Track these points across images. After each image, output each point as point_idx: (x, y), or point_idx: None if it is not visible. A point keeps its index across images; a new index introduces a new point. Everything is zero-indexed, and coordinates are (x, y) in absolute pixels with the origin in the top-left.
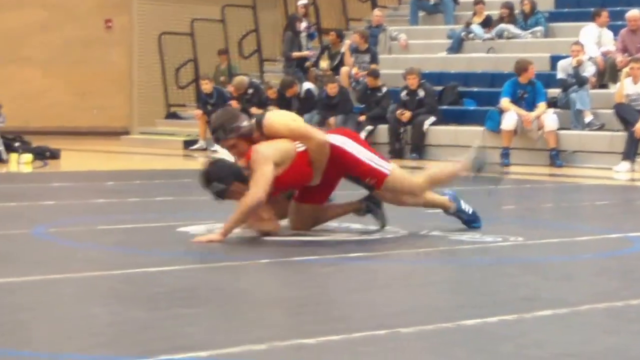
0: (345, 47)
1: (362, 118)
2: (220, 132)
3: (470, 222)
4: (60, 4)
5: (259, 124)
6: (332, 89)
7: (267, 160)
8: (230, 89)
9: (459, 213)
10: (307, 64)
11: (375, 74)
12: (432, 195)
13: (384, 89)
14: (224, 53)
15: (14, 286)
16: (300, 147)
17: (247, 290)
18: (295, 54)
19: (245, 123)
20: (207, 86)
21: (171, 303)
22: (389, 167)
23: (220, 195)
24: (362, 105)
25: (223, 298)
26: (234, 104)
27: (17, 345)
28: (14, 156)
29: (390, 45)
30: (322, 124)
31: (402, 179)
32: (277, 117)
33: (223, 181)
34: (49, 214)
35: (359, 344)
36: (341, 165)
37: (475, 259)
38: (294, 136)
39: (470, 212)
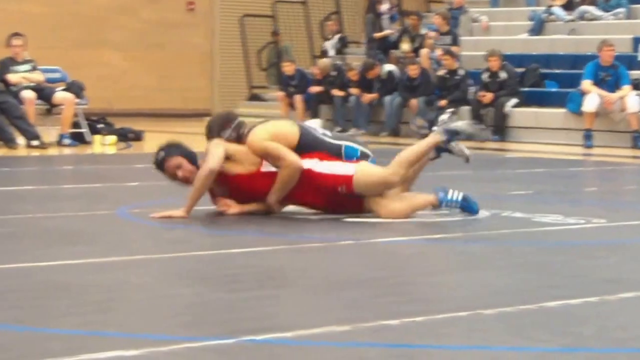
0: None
1: (443, 103)
2: (207, 134)
3: (464, 208)
4: None
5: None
6: (413, 70)
7: (219, 144)
8: (315, 71)
9: (448, 203)
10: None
11: (450, 53)
12: (415, 200)
13: (462, 72)
14: (277, 34)
15: (99, 267)
16: (264, 168)
17: (330, 271)
18: (377, 34)
19: (226, 134)
20: (289, 68)
21: (255, 284)
22: (352, 168)
23: (158, 164)
24: (441, 91)
25: (306, 279)
26: (315, 87)
27: (102, 325)
28: (97, 138)
29: (472, 27)
30: (403, 105)
31: (369, 173)
32: (257, 137)
33: (166, 151)
34: (133, 195)
35: (441, 325)
36: (312, 184)
37: (557, 240)
38: (268, 156)
39: (460, 198)
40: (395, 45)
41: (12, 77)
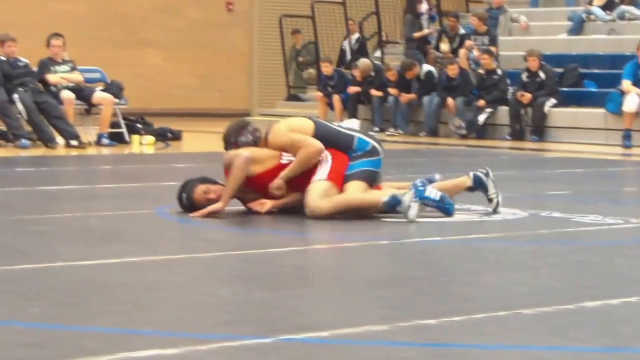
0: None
1: (482, 103)
2: (225, 144)
3: (440, 209)
4: None
5: (266, 137)
6: (452, 70)
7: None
8: (355, 73)
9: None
10: (428, 46)
11: (488, 52)
12: (366, 197)
13: (500, 72)
14: (297, 32)
15: (137, 266)
16: (284, 159)
17: (367, 270)
18: (417, 34)
19: (244, 138)
20: (327, 68)
21: (292, 283)
22: (320, 177)
23: (188, 205)
24: (479, 91)
25: (344, 278)
26: (352, 88)
27: (140, 324)
28: (136, 137)
29: (511, 27)
30: (441, 106)
31: (312, 190)
32: (280, 131)
33: (185, 190)
34: (171, 195)
35: (479, 324)
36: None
37: (596, 240)
38: (293, 147)
39: (437, 197)
40: (435, 45)
41: (51, 78)
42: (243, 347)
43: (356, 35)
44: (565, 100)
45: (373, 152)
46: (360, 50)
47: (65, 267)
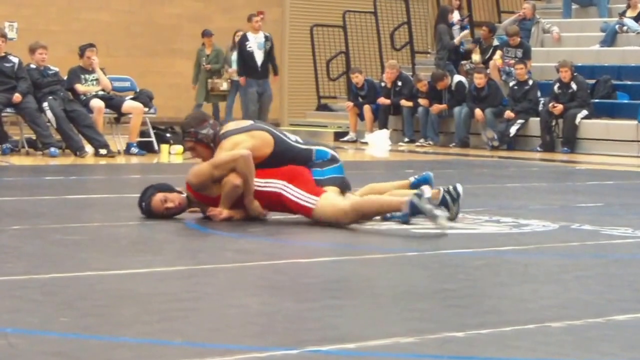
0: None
1: (510, 115)
2: (183, 133)
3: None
4: None
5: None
6: (479, 79)
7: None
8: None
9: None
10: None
11: (523, 63)
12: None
13: (531, 82)
14: (208, 35)
15: (165, 275)
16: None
17: (395, 282)
18: (457, 39)
19: (204, 131)
20: (357, 79)
21: (321, 294)
22: (314, 201)
23: (147, 212)
24: (510, 101)
25: (372, 290)
26: (383, 99)
27: (168, 334)
28: (165, 147)
29: (543, 38)
30: (470, 116)
31: (327, 208)
32: (228, 144)
33: (143, 198)
34: None
35: (508, 338)
36: (280, 203)
37: (627, 253)
38: (220, 168)
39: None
40: (465, 56)
41: (80, 87)
42: (270, 358)
43: (261, 34)
44: (597, 112)
45: (333, 160)
46: (271, 52)
47: (94, 277)
